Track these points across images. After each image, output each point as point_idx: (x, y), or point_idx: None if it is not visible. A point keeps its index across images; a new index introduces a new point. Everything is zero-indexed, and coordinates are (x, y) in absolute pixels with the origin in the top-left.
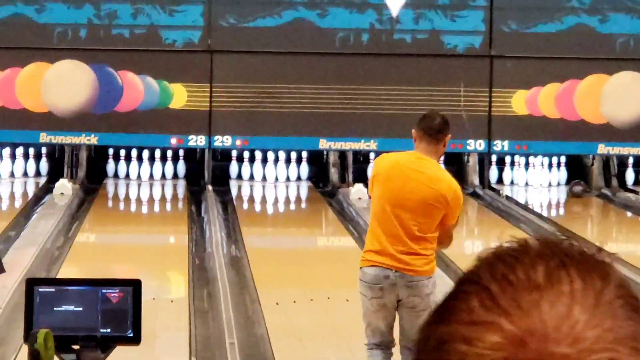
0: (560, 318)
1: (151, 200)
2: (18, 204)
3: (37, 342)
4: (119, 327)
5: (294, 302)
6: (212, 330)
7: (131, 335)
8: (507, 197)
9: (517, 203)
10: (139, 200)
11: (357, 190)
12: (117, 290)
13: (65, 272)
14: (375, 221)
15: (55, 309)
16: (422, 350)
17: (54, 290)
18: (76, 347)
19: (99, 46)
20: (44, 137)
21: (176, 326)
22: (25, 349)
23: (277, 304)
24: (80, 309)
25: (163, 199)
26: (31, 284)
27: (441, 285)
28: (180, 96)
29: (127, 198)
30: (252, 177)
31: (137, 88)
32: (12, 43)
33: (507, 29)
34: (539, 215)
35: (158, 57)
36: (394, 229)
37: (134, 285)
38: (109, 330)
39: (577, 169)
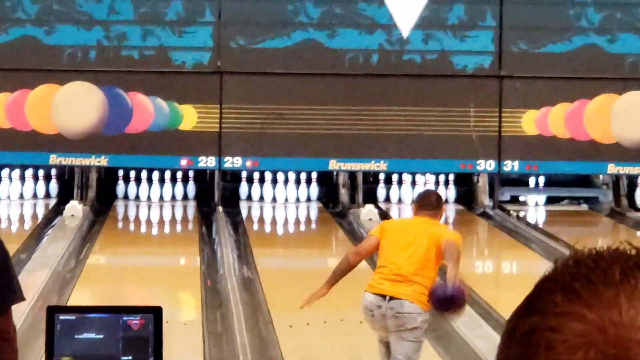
0: (636, 310)
1: (161, 221)
2: (28, 225)
3: None
4: (141, 354)
5: (308, 324)
6: (227, 353)
7: None
8: (518, 217)
9: (527, 223)
10: (149, 222)
11: (367, 211)
12: (138, 318)
13: (78, 295)
14: (380, 264)
15: (76, 336)
16: (509, 340)
17: (74, 318)
18: None
19: (109, 68)
20: (53, 159)
21: (191, 349)
22: None
23: (290, 326)
24: (102, 336)
25: (173, 220)
26: (52, 311)
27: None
28: (190, 117)
29: (137, 219)
30: (262, 198)
31: (147, 109)
32: (22, 65)
33: (517, 49)
34: (550, 235)
35: (168, 79)
36: (395, 268)
37: (155, 312)
38: (130, 357)
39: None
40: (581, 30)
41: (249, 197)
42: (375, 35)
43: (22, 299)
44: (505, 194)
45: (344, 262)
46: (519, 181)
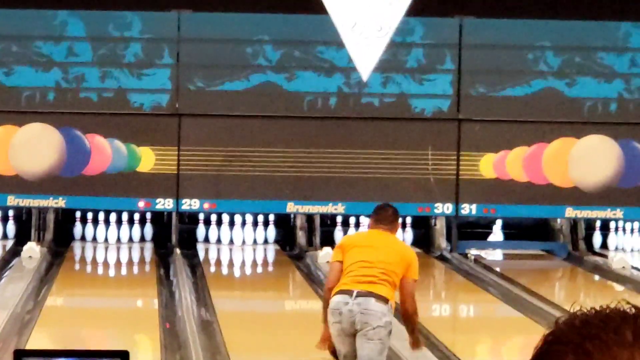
0: None
1: (119, 263)
2: None
3: None
4: None
5: None
6: None
7: None
8: (475, 261)
9: (484, 266)
10: (106, 264)
11: (325, 254)
12: None
13: (37, 337)
14: (347, 270)
15: None
16: None
17: None
18: None
19: (67, 109)
20: (11, 200)
21: None
22: None
23: None
24: None
25: (131, 262)
26: (19, 355)
27: (414, 352)
28: (148, 159)
29: (94, 261)
30: (219, 240)
31: (105, 151)
32: None
33: (475, 92)
34: (507, 279)
35: (126, 121)
36: (361, 268)
37: (122, 356)
38: None
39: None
40: (540, 74)
41: (207, 239)
42: (334, 78)
43: None
44: (463, 248)
45: (325, 302)
46: (477, 224)
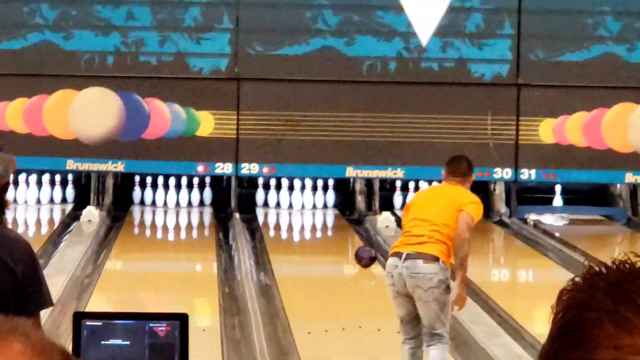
0: None
1: (178, 227)
2: (44, 230)
3: None
4: None
5: (326, 331)
6: (245, 359)
7: None
8: (535, 226)
9: (544, 231)
10: (165, 228)
11: (384, 219)
12: (165, 325)
13: (96, 300)
14: (403, 230)
15: (102, 342)
16: None
17: (101, 324)
18: None
19: (126, 73)
20: (70, 164)
21: (209, 355)
22: None
23: (309, 333)
24: (128, 343)
25: (190, 226)
26: (78, 317)
27: (473, 316)
28: (207, 124)
29: (153, 225)
30: (278, 205)
31: (164, 115)
32: (40, 70)
33: (535, 57)
34: (566, 244)
35: (185, 85)
36: (414, 226)
37: (181, 320)
38: None
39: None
40: (599, 39)
41: (266, 204)
42: (394, 43)
43: (51, 304)
44: (522, 213)
45: None
46: (536, 189)
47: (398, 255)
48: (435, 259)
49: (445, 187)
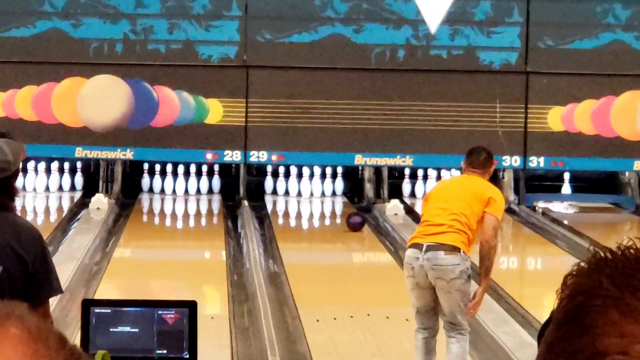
0: None
1: (187, 215)
2: (53, 218)
3: None
4: (175, 348)
5: (334, 319)
6: (254, 347)
7: (187, 356)
8: (543, 214)
9: (552, 219)
10: (174, 215)
11: (393, 206)
12: (173, 312)
13: (105, 288)
14: (422, 219)
15: (111, 330)
16: None
17: (110, 311)
18: None
19: (135, 61)
20: (79, 152)
21: (218, 343)
22: None
23: (317, 320)
24: (137, 330)
25: (199, 214)
26: (87, 304)
27: (481, 303)
28: (216, 111)
29: (162, 213)
30: (287, 193)
31: (173, 103)
32: (49, 58)
33: (543, 45)
34: (575, 231)
35: (194, 72)
36: (434, 216)
37: (190, 307)
38: (165, 351)
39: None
40: (608, 27)
41: (274, 191)
42: (402, 31)
43: (60, 291)
44: (531, 201)
45: None
46: (544, 177)
47: (418, 246)
48: (456, 249)
49: (465, 179)
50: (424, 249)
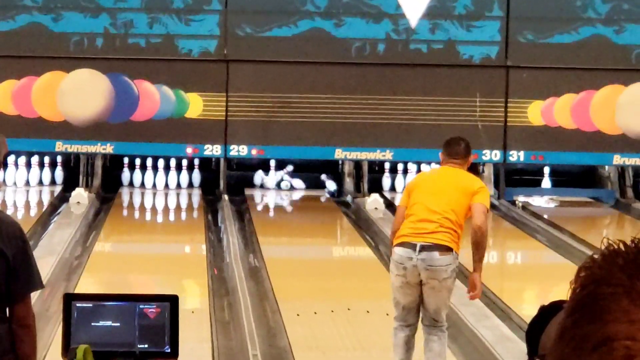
0: None
1: (167, 209)
2: (34, 212)
3: (77, 358)
4: (157, 342)
5: (315, 313)
6: (235, 341)
7: (169, 350)
8: (523, 208)
9: (532, 213)
10: (154, 210)
11: (373, 200)
12: (155, 306)
13: (85, 282)
14: (408, 213)
15: (92, 324)
16: (579, 350)
17: (91, 305)
18: None
19: (115, 55)
20: (59, 146)
21: (199, 337)
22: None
23: (297, 315)
24: (118, 324)
25: (179, 208)
26: (69, 299)
27: (461, 298)
28: (196, 105)
29: (142, 207)
30: (267, 187)
31: (153, 97)
32: (29, 52)
33: (523, 39)
34: (555, 226)
35: (174, 67)
36: (423, 213)
37: (171, 301)
38: (146, 345)
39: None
40: (588, 21)
41: (253, 185)
42: (382, 25)
43: (41, 286)
44: (511, 195)
45: (391, 245)
46: (524, 171)
47: (411, 245)
48: (449, 250)
49: (449, 171)
50: (417, 248)
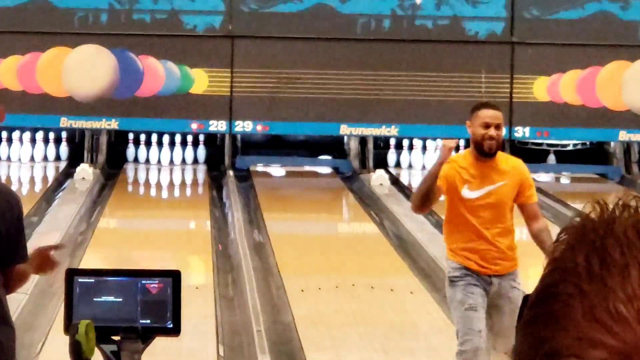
0: None
1: (172, 185)
2: (38, 188)
3: (79, 333)
4: (159, 318)
5: (319, 289)
6: (239, 317)
7: (171, 326)
8: None
9: (537, 189)
10: (159, 185)
11: (378, 176)
12: (157, 281)
13: (90, 258)
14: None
15: (95, 299)
16: (533, 350)
17: (93, 280)
18: (117, 338)
19: (120, 31)
20: (64, 122)
21: (202, 313)
22: (52, 335)
23: (302, 290)
24: (120, 299)
25: (183, 184)
26: (71, 274)
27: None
28: (201, 81)
29: (147, 183)
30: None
31: (158, 73)
32: (33, 28)
33: (529, 15)
34: (560, 201)
35: (179, 42)
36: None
37: (174, 276)
38: (148, 321)
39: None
40: None
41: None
42: (388, 1)
43: (27, 259)
44: None
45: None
46: (529, 149)
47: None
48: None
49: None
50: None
